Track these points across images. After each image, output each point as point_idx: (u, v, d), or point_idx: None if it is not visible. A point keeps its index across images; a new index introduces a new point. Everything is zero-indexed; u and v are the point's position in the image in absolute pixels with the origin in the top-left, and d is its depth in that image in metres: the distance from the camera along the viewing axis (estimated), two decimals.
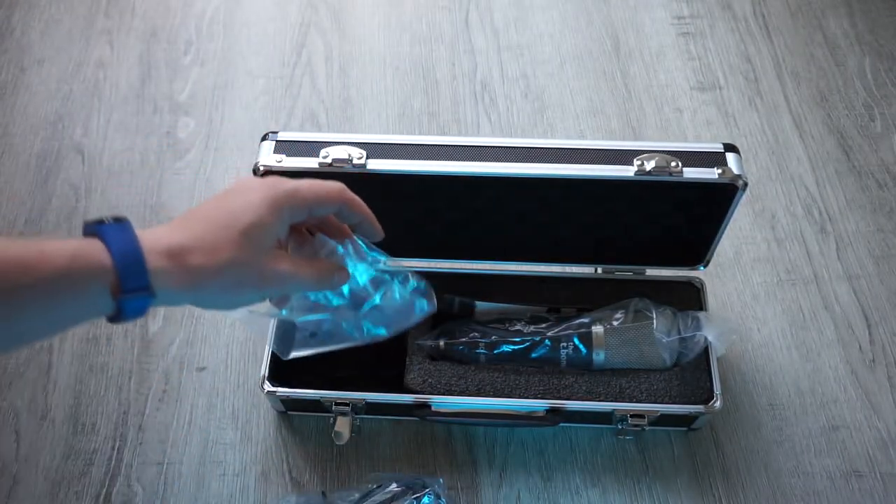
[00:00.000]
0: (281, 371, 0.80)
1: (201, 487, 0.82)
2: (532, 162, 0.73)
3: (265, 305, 0.60)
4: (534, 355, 0.81)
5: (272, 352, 0.80)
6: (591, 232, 0.83)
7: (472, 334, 0.82)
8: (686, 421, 0.82)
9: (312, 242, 0.60)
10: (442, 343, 0.82)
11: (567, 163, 0.73)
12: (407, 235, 0.84)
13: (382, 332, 0.62)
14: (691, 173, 0.72)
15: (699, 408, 0.78)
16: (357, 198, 0.58)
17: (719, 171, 0.72)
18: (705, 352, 0.81)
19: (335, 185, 0.57)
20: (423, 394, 0.80)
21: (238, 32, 1.20)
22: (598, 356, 0.80)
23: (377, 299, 0.62)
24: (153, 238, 0.48)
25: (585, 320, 0.82)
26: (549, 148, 0.74)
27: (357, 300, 0.61)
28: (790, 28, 1.18)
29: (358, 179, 0.74)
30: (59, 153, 1.07)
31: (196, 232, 0.50)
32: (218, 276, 0.50)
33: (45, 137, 1.09)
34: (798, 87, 1.12)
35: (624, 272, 0.88)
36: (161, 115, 1.11)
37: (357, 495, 0.76)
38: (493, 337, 0.82)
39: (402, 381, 0.81)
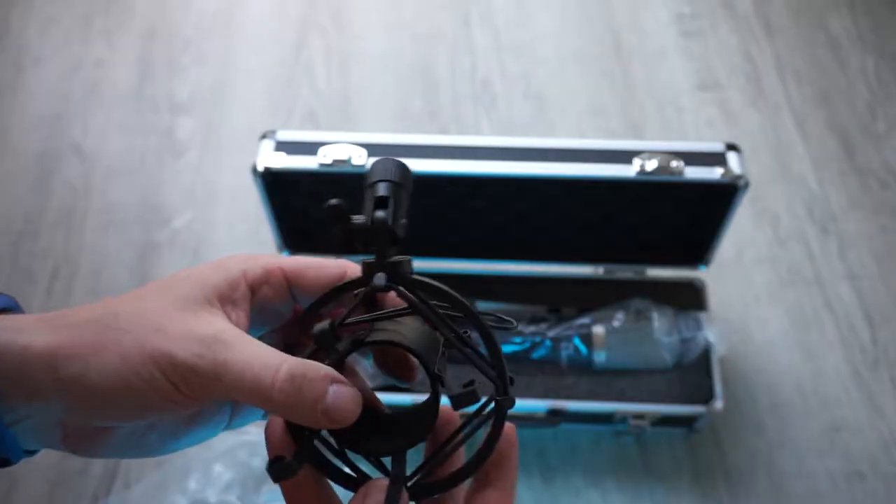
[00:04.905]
0: None
1: None
2: (532, 162, 0.73)
3: None
4: (534, 356, 0.81)
5: None
6: (591, 232, 0.82)
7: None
8: (687, 422, 0.82)
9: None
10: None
11: (567, 163, 0.72)
12: (407, 235, 0.84)
13: None
14: (692, 173, 0.72)
15: (700, 408, 0.78)
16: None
17: (721, 170, 0.72)
18: (706, 352, 0.80)
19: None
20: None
21: (237, 31, 1.20)
22: (599, 356, 0.80)
23: None
24: None
25: (586, 321, 0.81)
26: (549, 148, 0.74)
27: None
28: (792, 27, 1.17)
29: (358, 179, 0.74)
30: (58, 153, 1.07)
31: None
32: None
33: (43, 137, 1.09)
34: (800, 86, 1.11)
35: (624, 272, 0.87)
36: (160, 115, 1.11)
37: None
38: None
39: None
